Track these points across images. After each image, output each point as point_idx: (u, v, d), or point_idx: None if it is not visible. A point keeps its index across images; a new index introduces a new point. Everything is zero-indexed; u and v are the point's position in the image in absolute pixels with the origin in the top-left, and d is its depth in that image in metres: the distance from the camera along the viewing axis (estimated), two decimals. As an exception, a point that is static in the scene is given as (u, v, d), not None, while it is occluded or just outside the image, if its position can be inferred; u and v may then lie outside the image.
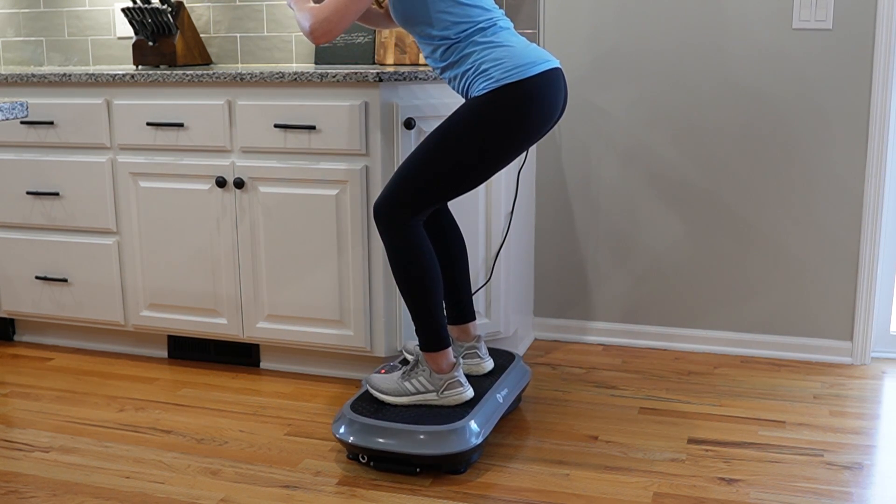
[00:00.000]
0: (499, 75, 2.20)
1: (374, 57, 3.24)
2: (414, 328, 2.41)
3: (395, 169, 2.72)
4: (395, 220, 2.30)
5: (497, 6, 2.32)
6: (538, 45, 3.13)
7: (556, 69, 2.27)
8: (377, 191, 2.72)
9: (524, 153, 2.48)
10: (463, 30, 2.23)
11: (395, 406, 2.39)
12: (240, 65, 3.44)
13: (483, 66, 2.22)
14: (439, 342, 2.38)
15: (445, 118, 2.30)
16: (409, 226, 2.31)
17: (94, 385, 2.95)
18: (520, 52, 2.22)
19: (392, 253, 2.33)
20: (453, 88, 2.34)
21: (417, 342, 2.70)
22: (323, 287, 2.84)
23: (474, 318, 2.62)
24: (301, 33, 3.38)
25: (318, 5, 2.26)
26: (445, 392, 2.37)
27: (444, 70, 2.31)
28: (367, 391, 2.47)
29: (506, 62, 2.20)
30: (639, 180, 3.14)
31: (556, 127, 3.18)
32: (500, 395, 2.48)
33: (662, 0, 3.01)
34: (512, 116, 2.21)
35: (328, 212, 2.78)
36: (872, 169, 2.93)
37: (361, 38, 3.25)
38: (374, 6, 2.59)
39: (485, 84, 2.21)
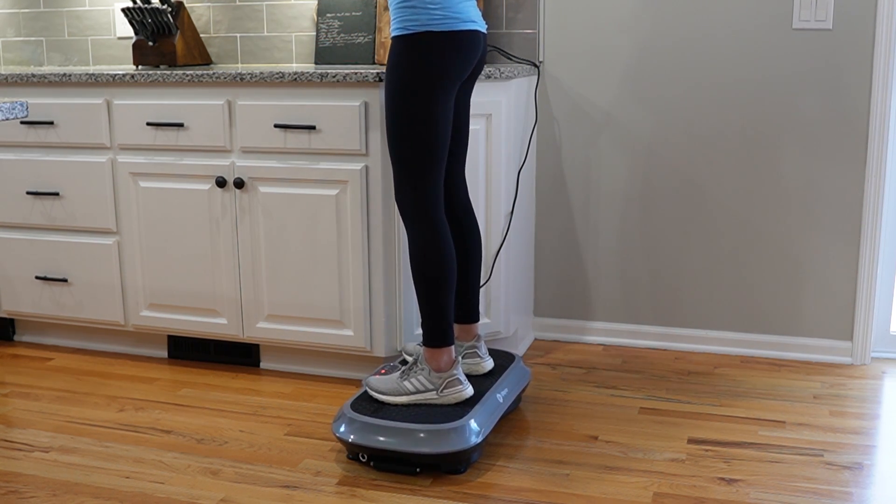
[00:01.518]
0: (426, 20, 2.25)
1: (374, 57, 3.24)
2: (420, 322, 2.41)
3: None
4: (413, 199, 2.35)
5: None
6: (538, 45, 3.14)
7: (479, 32, 2.35)
8: (377, 191, 2.72)
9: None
10: None
11: (395, 405, 2.39)
12: (240, 65, 3.44)
13: (414, 3, 2.26)
14: (444, 339, 2.38)
15: (385, 82, 2.37)
16: (430, 206, 2.35)
17: (94, 385, 2.95)
18: (454, 4, 2.28)
19: (415, 242, 2.36)
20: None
21: (417, 343, 2.70)
22: (323, 287, 2.84)
23: (479, 319, 2.63)
24: (301, 33, 3.39)
25: None
26: (445, 390, 2.37)
27: None
28: (367, 391, 2.47)
29: (436, 10, 2.25)
30: (639, 180, 3.14)
31: (556, 126, 3.18)
32: (500, 395, 2.48)
33: (662, 0, 3.01)
34: (429, 64, 2.27)
35: (328, 212, 2.78)
36: (872, 169, 2.93)
37: (361, 38, 3.25)
38: None
39: (409, 23, 2.26)
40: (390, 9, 2.33)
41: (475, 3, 2.37)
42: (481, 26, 2.37)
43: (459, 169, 2.56)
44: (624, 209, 3.18)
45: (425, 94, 2.28)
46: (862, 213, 2.97)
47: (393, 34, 2.31)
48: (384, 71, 2.68)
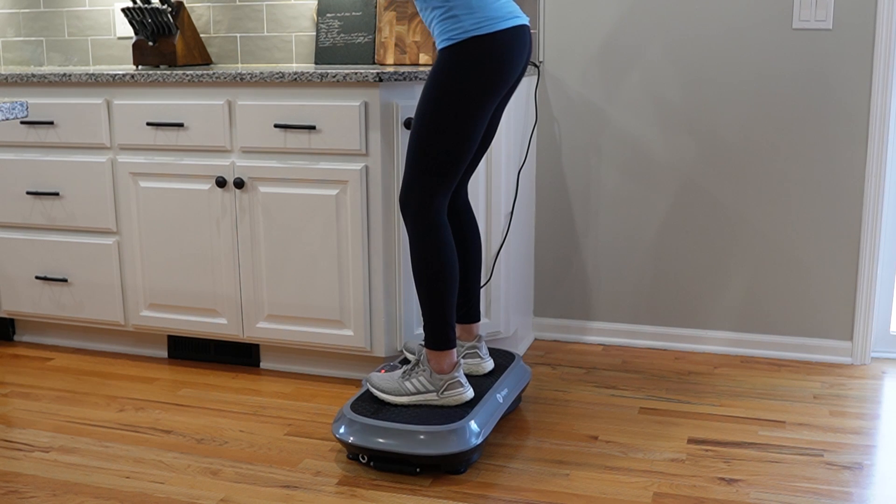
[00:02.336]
0: (469, 26, 2.22)
1: (374, 57, 3.24)
2: (422, 324, 2.40)
3: (398, 166, 2.73)
4: (421, 205, 2.33)
5: None
6: (538, 45, 3.14)
7: (524, 26, 2.31)
8: (377, 191, 2.72)
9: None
10: None
11: (396, 406, 2.39)
12: (240, 65, 3.44)
13: (453, 12, 2.24)
14: (446, 341, 2.38)
15: (423, 87, 2.33)
16: (434, 211, 2.33)
17: (94, 385, 2.95)
18: (492, 4, 2.25)
19: (416, 244, 2.35)
20: (424, 22, 2.37)
21: (418, 342, 2.70)
22: (323, 287, 2.84)
23: (479, 319, 2.63)
24: (301, 33, 3.39)
25: None
26: (446, 392, 2.37)
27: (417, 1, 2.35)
28: (367, 391, 2.47)
29: (476, 12, 2.23)
30: (639, 180, 3.14)
31: (556, 126, 3.18)
32: (501, 396, 2.48)
33: (662, 0, 3.01)
34: (478, 71, 2.24)
35: (328, 212, 2.78)
36: (872, 169, 2.93)
37: (361, 38, 3.25)
38: None
39: (453, 33, 2.24)
40: (432, 27, 2.30)
41: None
42: (524, 19, 2.33)
43: (470, 173, 2.55)
44: (624, 209, 3.18)
45: (467, 107, 2.25)
46: (862, 214, 2.97)
47: (439, 47, 2.28)
48: (384, 71, 2.68)
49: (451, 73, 2.25)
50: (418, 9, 2.36)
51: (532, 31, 3.12)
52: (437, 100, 2.26)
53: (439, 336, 2.37)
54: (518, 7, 2.34)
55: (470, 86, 2.24)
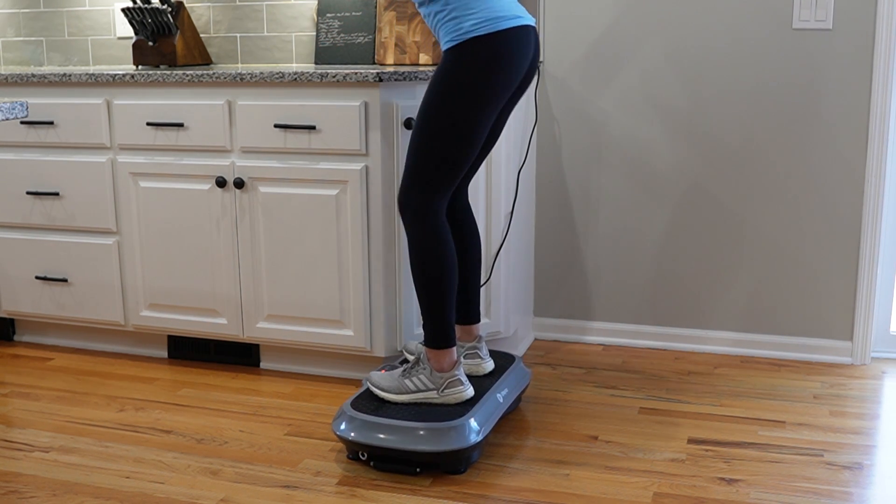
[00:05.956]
0: (469, 27, 2.21)
1: (374, 57, 3.24)
2: (422, 324, 2.41)
3: (398, 166, 2.73)
4: (420, 206, 2.32)
5: None
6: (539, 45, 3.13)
7: (528, 27, 2.29)
8: (377, 191, 2.72)
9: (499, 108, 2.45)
10: None
11: (396, 404, 2.39)
12: (240, 65, 3.44)
13: (454, 13, 2.23)
14: (446, 340, 2.38)
15: (427, 88, 2.32)
16: (433, 212, 2.32)
17: (94, 385, 2.95)
18: (493, 4, 2.23)
19: (415, 244, 2.34)
20: (427, 24, 2.36)
21: (417, 342, 2.70)
22: (323, 287, 2.84)
23: (479, 320, 2.62)
24: (301, 33, 3.39)
25: None
26: (446, 390, 2.37)
27: (420, 4, 2.34)
28: (367, 389, 2.48)
29: (478, 13, 2.22)
30: (639, 180, 3.14)
31: (556, 126, 3.18)
32: (501, 395, 2.48)
33: (662, 0, 3.01)
34: (481, 71, 2.22)
35: (328, 212, 2.78)
36: (872, 169, 2.93)
37: (361, 38, 3.25)
38: None
39: (454, 34, 2.23)
40: (436, 31, 2.30)
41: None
42: (529, 20, 2.30)
43: (471, 175, 2.55)
44: (624, 209, 3.18)
45: (469, 107, 2.24)
46: (862, 213, 2.97)
47: (444, 48, 2.27)
48: (384, 71, 2.68)
49: (453, 73, 2.23)
50: (422, 14, 2.35)
51: (532, 31, 3.12)
52: (439, 101, 2.25)
53: (439, 335, 2.37)
54: (523, 8, 2.32)
55: (472, 86, 2.23)
